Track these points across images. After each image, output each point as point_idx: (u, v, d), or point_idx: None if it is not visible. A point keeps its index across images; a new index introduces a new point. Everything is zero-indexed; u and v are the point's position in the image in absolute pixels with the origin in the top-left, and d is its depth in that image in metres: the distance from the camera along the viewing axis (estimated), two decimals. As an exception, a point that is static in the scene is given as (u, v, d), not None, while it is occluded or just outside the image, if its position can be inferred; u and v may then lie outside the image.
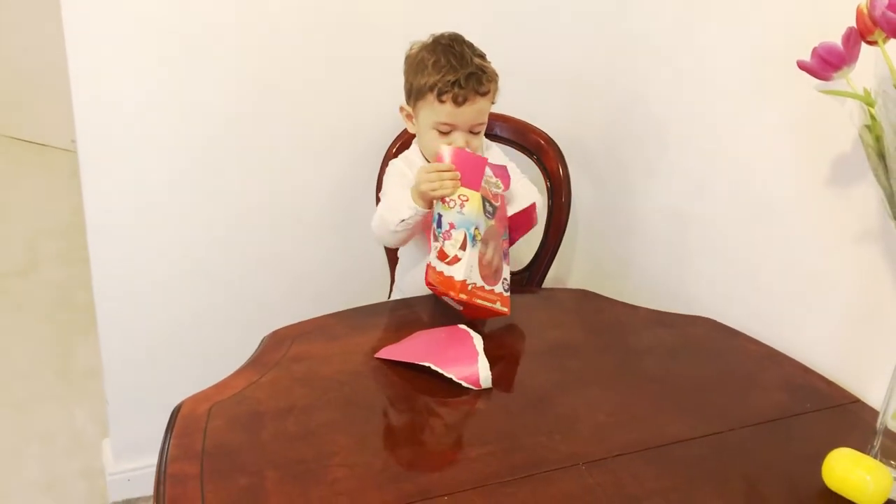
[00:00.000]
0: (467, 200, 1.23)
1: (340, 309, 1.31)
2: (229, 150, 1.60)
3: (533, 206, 1.41)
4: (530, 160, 1.64)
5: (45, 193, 3.17)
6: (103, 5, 1.41)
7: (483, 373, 1.11)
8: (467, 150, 1.30)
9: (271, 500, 0.89)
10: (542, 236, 1.63)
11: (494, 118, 1.59)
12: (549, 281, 1.71)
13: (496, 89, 1.36)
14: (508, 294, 1.29)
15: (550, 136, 1.63)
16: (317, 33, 1.58)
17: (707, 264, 1.49)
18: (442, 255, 1.23)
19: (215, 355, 1.40)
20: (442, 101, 1.31)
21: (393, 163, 1.47)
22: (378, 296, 1.54)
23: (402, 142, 1.57)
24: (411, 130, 1.42)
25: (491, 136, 1.62)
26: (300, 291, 1.75)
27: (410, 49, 1.37)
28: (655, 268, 1.63)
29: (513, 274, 1.66)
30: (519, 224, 1.39)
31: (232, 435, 0.99)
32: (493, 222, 1.27)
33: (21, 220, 3.05)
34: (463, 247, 1.22)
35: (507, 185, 1.34)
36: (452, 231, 1.23)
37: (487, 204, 1.26)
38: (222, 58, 1.53)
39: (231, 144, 1.59)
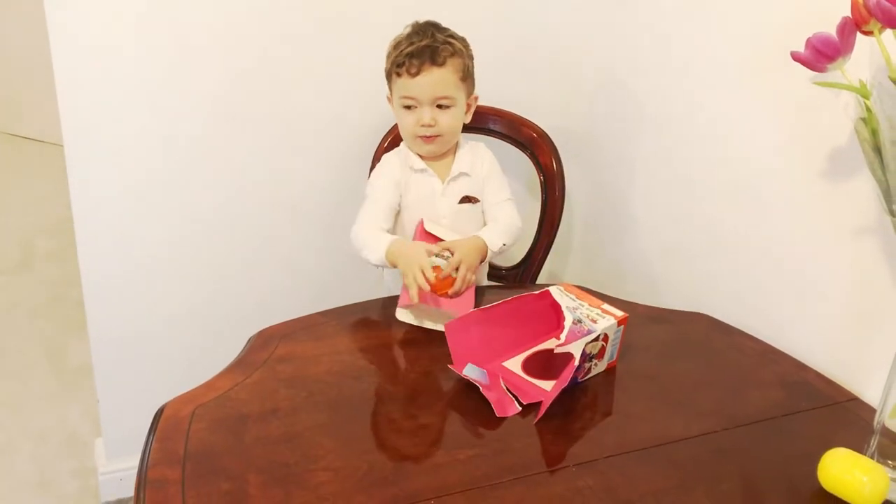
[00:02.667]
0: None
1: (334, 304, 1.30)
2: (218, 148, 1.58)
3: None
4: (524, 154, 1.62)
5: (40, 190, 3.16)
6: (87, 1, 1.39)
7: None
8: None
9: (253, 506, 0.87)
10: (535, 232, 1.61)
11: (487, 112, 1.57)
12: (544, 276, 1.69)
13: (462, 65, 1.34)
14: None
15: (544, 129, 1.61)
16: (304, 29, 1.55)
17: (704, 260, 1.47)
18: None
19: (207, 352, 1.39)
20: (399, 75, 1.32)
21: (385, 157, 1.44)
22: (371, 289, 1.52)
23: (393, 136, 1.54)
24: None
25: (484, 130, 1.59)
26: (292, 286, 1.74)
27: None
28: (652, 263, 1.61)
29: (506, 269, 1.65)
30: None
31: (215, 438, 0.97)
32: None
33: (16, 217, 3.03)
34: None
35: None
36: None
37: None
38: (210, 54, 1.50)
39: (219, 142, 1.57)
